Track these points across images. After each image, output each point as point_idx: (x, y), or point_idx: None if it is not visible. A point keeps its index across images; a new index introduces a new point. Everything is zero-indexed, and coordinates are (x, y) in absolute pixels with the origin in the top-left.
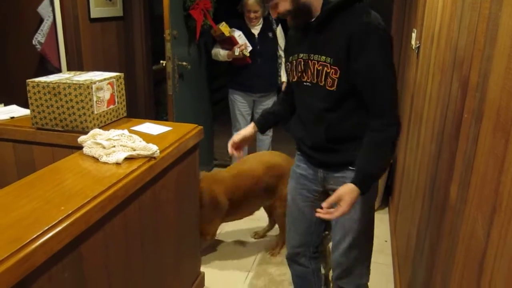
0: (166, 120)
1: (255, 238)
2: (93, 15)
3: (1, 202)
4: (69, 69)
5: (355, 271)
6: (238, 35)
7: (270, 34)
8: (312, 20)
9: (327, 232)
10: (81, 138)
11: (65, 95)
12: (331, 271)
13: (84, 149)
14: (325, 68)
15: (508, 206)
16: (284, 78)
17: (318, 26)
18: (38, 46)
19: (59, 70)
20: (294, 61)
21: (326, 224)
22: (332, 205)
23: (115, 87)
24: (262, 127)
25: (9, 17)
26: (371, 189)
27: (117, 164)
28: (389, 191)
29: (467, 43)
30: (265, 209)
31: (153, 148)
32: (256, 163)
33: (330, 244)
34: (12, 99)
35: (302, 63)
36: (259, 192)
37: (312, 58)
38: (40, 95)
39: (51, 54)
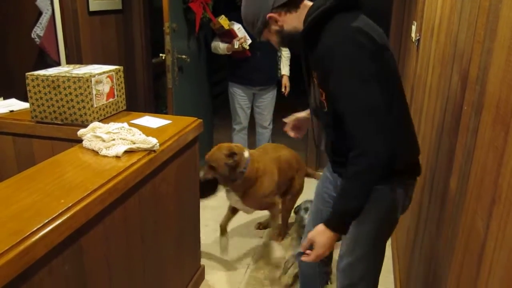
0: (166, 113)
1: (259, 229)
2: (92, 8)
3: (1, 195)
4: (68, 62)
5: (360, 286)
6: (238, 28)
7: None
8: None
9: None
10: (81, 131)
11: (65, 88)
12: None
13: (83, 142)
14: (317, 89)
15: (507, 198)
16: (284, 71)
17: (305, 45)
18: (37, 39)
19: (58, 64)
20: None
21: None
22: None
23: (114, 80)
24: None
25: (8, 10)
26: (379, 202)
27: (117, 157)
28: None
29: (467, 35)
30: None
31: (152, 141)
32: (286, 152)
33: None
34: (11, 93)
35: (306, 79)
36: (285, 181)
37: (311, 75)
38: (39, 88)
39: (50, 47)
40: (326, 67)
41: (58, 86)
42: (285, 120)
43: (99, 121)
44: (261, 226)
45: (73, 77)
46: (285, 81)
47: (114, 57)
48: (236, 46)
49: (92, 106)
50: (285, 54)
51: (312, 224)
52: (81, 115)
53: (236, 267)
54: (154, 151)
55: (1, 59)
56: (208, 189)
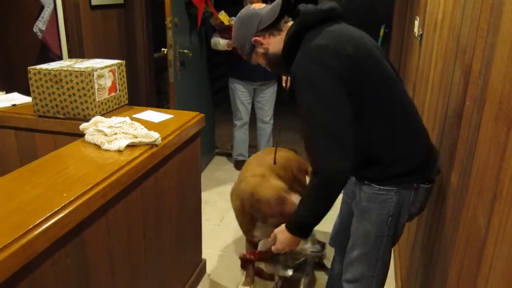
0: (168, 108)
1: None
2: (94, 2)
3: (4, 188)
4: (70, 56)
5: (361, 283)
6: None
7: None
8: None
9: None
10: (83, 126)
11: (67, 83)
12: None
13: (86, 136)
14: None
15: (509, 193)
16: None
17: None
18: (39, 33)
19: (60, 58)
20: None
21: None
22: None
23: (116, 74)
24: None
25: (10, 5)
26: (383, 203)
27: (119, 151)
28: None
29: (470, 30)
30: None
31: (154, 136)
32: (288, 155)
33: None
34: (13, 87)
35: None
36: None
37: None
38: (41, 82)
39: (52, 41)
40: (295, 88)
41: (60, 80)
42: None
43: (101, 115)
44: None
45: (75, 71)
46: (286, 76)
47: (116, 52)
48: None
49: (94, 100)
50: None
51: (336, 221)
52: (83, 109)
53: (237, 261)
54: (156, 145)
55: (4, 53)
56: None
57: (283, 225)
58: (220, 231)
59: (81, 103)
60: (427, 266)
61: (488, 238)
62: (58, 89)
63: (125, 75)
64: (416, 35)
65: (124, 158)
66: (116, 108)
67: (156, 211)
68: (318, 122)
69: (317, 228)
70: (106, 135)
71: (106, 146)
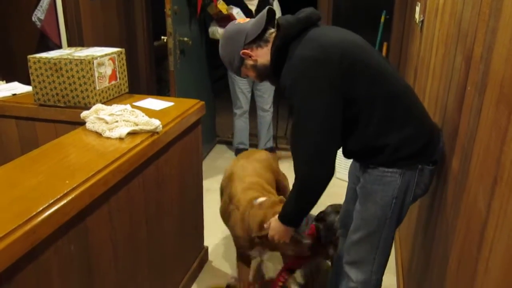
0: (168, 96)
1: None
2: None
3: (6, 176)
4: (70, 45)
5: (362, 266)
6: (236, 12)
7: None
8: None
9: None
10: (84, 114)
11: (67, 71)
12: None
13: (87, 124)
14: None
15: (510, 177)
16: None
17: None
18: (37, 22)
19: (59, 47)
20: None
21: None
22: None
23: (116, 62)
24: None
25: None
26: (388, 185)
27: (120, 139)
28: None
29: (471, 15)
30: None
31: (155, 123)
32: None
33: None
34: (13, 77)
35: None
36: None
37: None
38: (41, 71)
39: (51, 30)
40: (286, 97)
41: (60, 68)
42: None
43: (102, 104)
44: None
45: (75, 59)
46: None
47: (115, 40)
48: None
49: (94, 88)
50: None
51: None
52: (83, 98)
53: None
54: (157, 132)
55: (3, 43)
56: None
57: (276, 216)
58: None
59: (82, 92)
60: (428, 250)
61: (489, 222)
62: (58, 77)
63: (125, 63)
64: (417, 21)
65: (125, 146)
66: (116, 97)
67: (158, 198)
68: (303, 130)
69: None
70: (107, 123)
71: (107, 133)
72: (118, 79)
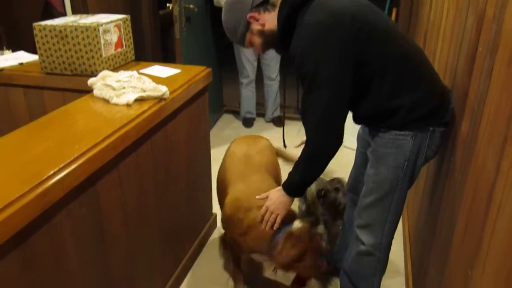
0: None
1: None
2: None
3: (16, 142)
4: (74, 13)
5: (373, 229)
6: None
7: None
8: None
9: None
10: (91, 80)
11: (72, 38)
12: None
13: (94, 91)
14: None
15: None
16: None
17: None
18: None
19: (64, 15)
20: None
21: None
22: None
23: (122, 29)
24: None
25: None
26: (400, 148)
27: (128, 105)
28: None
29: None
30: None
31: (163, 89)
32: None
33: None
34: (19, 46)
35: None
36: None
37: None
38: (47, 39)
39: None
40: (296, 67)
41: (66, 36)
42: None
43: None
44: None
45: (80, 26)
46: None
47: (119, 8)
48: None
49: (101, 56)
50: None
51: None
52: (90, 65)
53: None
54: (165, 99)
55: (8, 12)
56: None
57: (277, 187)
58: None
59: (88, 59)
60: (435, 215)
61: (497, 183)
62: (64, 45)
63: (130, 31)
64: None
65: (133, 112)
66: (123, 65)
67: (166, 165)
68: (315, 97)
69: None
70: (114, 89)
71: (114, 100)
72: (124, 46)
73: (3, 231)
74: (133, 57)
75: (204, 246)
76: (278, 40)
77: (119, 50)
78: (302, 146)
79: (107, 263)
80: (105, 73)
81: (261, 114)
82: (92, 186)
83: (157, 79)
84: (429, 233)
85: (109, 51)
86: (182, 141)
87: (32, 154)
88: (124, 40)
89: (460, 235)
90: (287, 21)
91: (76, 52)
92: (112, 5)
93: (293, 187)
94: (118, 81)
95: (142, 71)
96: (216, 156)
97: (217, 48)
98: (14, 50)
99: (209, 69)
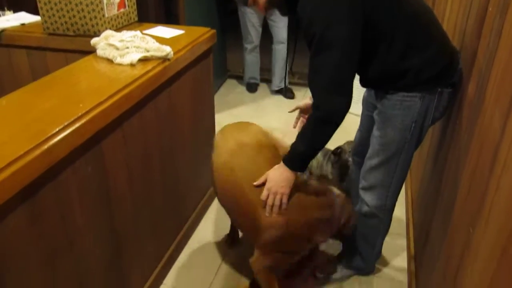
0: None
1: None
2: None
3: (20, 100)
4: None
5: (377, 190)
6: None
7: None
8: None
9: None
10: (94, 40)
11: None
12: None
13: (97, 51)
14: None
15: None
16: None
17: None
18: None
19: None
20: None
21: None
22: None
23: None
24: None
25: None
26: (408, 109)
27: (132, 65)
28: None
29: None
30: None
31: (166, 50)
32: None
33: None
34: (19, 7)
35: None
36: None
37: None
38: None
39: None
40: (304, 27)
41: None
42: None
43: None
44: None
45: None
46: None
47: None
48: None
49: (103, 16)
50: None
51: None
52: (92, 26)
53: None
54: (169, 59)
55: None
56: None
57: (275, 166)
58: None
59: (90, 19)
60: (439, 176)
61: (503, 141)
62: (66, 5)
63: None
64: None
65: (137, 72)
66: (126, 25)
67: (171, 126)
68: (324, 58)
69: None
70: (117, 49)
71: (118, 60)
72: (126, 6)
73: (11, 185)
74: (136, 18)
75: (208, 208)
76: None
77: (121, 10)
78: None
79: (113, 221)
80: (108, 33)
81: (265, 79)
82: (97, 144)
83: (160, 40)
84: (432, 195)
85: (111, 11)
86: (187, 103)
87: (36, 112)
88: (127, 0)
89: (463, 195)
90: None
91: (78, 12)
92: None
93: (299, 158)
94: (122, 40)
95: (146, 31)
96: (221, 121)
97: (221, 13)
98: (15, 11)
99: (213, 31)
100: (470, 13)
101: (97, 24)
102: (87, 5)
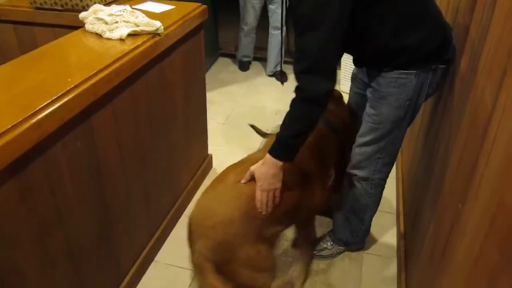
0: None
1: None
2: None
3: (8, 74)
4: None
5: (366, 166)
6: None
7: None
8: None
9: None
10: (82, 14)
11: None
12: None
13: (86, 25)
14: None
15: None
16: None
17: None
18: None
19: None
20: None
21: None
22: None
23: None
24: None
25: None
26: (403, 87)
27: (121, 40)
28: None
29: None
30: None
31: (156, 24)
32: None
33: None
34: None
35: None
36: None
37: None
38: None
39: None
40: (294, 5)
41: None
42: None
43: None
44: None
45: None
46: None
47: None
48: None
49: None
50: None
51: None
52: (81, 0)
53: (243, 156)
54: (159, 34)
55: None
56: None
57: (260, 161)
58: (225, 129)
59: None
60: (429, 153)
61: (494, 114)
62: None
63: None
64: None
65: (126, 47)
66: (114, 0)
67: (162, 102)
68: (309, 38)
69: None
70: (106, 23)
71: (107, 34)
72: None
73: None
74: None
75: (200, 185)
76: None
77: None
78: (287, 93)
79: (104, 196)
80: (96, 7)
81: (258, 58)
82: (86, 119)
83: (150, 14)
84: (423, 172)
85: None
86: (178, 80)
87: (24, 85)
88: None
89: (453, 170)
90: None
91: None
92: None
93: (285, 145)
94: (111, 15)
95: (135, 6)
96: (212, 99)
97: None
98: None
99: (204, 6)
100: None
101: None
102: None
